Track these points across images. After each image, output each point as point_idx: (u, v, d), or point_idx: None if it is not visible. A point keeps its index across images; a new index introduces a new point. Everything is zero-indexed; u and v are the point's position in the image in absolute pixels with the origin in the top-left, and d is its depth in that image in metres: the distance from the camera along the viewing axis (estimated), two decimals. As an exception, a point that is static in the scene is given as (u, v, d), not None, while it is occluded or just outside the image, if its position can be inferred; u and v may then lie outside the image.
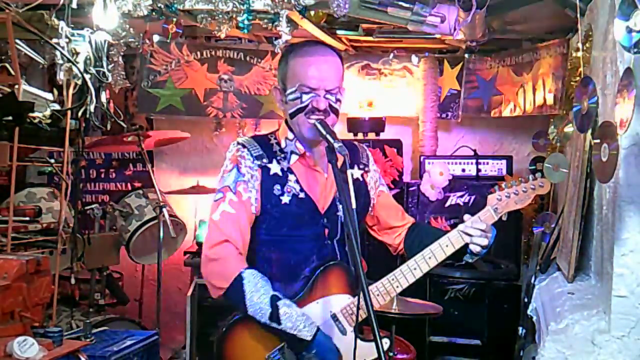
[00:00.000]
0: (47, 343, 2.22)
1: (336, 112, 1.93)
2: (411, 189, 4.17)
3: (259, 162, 1.94)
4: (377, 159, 4.08)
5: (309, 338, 1.77)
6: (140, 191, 4.01)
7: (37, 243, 3.09)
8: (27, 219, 3.11)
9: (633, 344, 1.91)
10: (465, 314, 3.86)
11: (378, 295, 1.92)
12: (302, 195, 1.94)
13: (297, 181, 1.95)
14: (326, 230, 1.97)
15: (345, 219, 1.72)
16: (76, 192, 3.33)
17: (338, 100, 1.92)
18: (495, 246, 3.93)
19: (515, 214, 4.10)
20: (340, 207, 1.97)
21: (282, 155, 1.98)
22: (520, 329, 3.39)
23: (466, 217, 1.94)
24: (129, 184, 5.01)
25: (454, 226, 3.82)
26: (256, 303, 1.79)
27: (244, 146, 1.96)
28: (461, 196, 4.04)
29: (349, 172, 1.72)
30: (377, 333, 1.58)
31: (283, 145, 2.00)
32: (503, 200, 1.93)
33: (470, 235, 1.91)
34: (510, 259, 3.90)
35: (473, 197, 4.01)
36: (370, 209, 2.13)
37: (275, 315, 1.78)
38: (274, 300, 1.79)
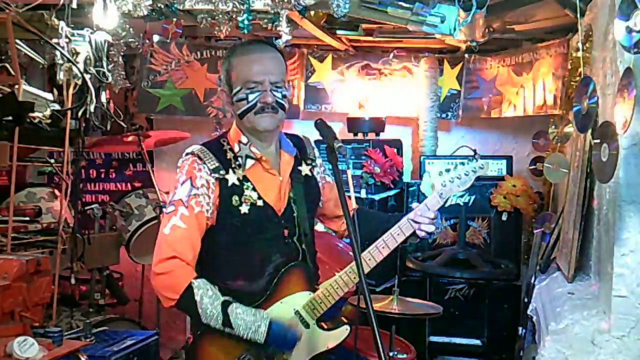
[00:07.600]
0: (47, 343, 2.22)
1: (284, 108, 1.96)
2: (411, 189, 4.16)
3: (216, 175, 1.94)
4: (377, 159, 4.09)
5: (262, 340, 1.85)
6: (140, 191, 4.00)
7: (37, 243, 3.09)
8: (27, 219, 3.11)
9: (633, 344, 1.91)
10: (465, 314, 3.86)
11: (337, 288, 1.97)
12: (260, 203, 1.96)
13: (253, 188, 1.96)
14: (285, 231, 2.01)
15: (347, 221, 1.73)
16: (76, 192, 3.33)
17: (284, 96, 1.95)
18: (495, 246, 3.97)
19: (515, 214, 4.13)
20: (295, 207, 2.02)
21: (237, 163, 1.98)
22: (520, 329, 3.39)
23: (414, 204, 2.02)
24: (129, 184, 5.01)
25: (453, 226, 3.82)
26: (208, 310, 1.85)
27: (200, 158, 1.96)
28: (461, 196, 4.03)
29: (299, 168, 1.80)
30: (376, 333, 1.59)
31: (237, 149, 2.00)
32: (447, 185, 2.02)
33: (418, 223, 2.00)
34: (510, 259, 3.89)
35: (473, 197, 4.00)
36: (320, 203, 2.18)
37: (227, 322, 1.84)
38: (224, 307, 1.85)
